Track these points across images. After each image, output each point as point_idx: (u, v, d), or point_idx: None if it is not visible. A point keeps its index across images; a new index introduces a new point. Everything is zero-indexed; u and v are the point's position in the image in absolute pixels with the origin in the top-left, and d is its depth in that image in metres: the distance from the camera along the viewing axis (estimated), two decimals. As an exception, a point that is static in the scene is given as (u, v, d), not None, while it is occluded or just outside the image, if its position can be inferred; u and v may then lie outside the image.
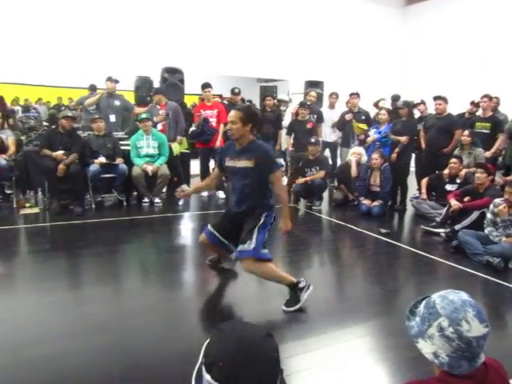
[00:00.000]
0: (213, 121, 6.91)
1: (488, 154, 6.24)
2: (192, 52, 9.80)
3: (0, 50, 9.10)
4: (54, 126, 6.69)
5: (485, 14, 10.58)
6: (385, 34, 12.45)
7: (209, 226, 3.48)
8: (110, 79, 6.78)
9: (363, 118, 7.46)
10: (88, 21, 9.16)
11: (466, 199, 5.17)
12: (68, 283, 3.69)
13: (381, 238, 5.11)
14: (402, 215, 6.48)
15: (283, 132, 7.66)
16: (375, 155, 6.22)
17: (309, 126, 7.05)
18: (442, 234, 5.10)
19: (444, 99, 6.29)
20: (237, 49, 10.43)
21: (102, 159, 6.01)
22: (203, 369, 0.96)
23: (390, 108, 7.51)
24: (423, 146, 6.57)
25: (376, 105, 7.69)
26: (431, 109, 6.86)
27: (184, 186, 3.62)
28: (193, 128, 7.10)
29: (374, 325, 3.04)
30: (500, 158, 6.71)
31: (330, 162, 7.65)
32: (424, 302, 1.31)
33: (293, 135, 7.19)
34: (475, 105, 7.14)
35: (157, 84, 7.75)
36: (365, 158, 6.69)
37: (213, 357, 0.96)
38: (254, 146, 3.15)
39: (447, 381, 1.23)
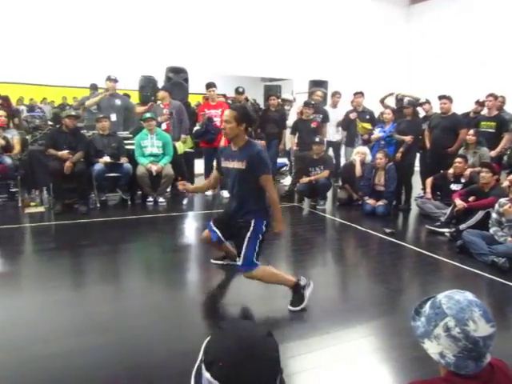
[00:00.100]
0: (217, 120, 6.91)
1: (493, 153, 6.21)
2: (196, 51, 9.82)
3: (5, 49, 9.16)
4: (58, 126, 6.72)
5: (489, 13, 10.53)
6: (389, 33, 12.42)
7: (212, 225, 3.45)
8: (109, 78, 6.78)
9: (367, 117, 7.45)
10: (93, 21, 9.20)
11: (471, 199, 5.14)
12: (73, 282, 3.71)
13: (385, 237, 5.09)
14: (407, 215, 6.46)
15: (287, 131, 7.66)
16: (380, 155, 6.21)
17: (313, 125, 7.04)
18: (447, 234, 5.08)
19: (449, 98, 6.26)
20: (241, 48, 10.44)
21: (107, 158, 6.03)
22: (203, 367, 0.96)
23: (395, 107, 7.49)
24: (428, 145, 6.54)
25: (382, 101, 7.65)
26: (436, 108, 6.83)
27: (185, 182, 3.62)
28: (197, 127, 7.11)
29: (377, 324, 3.04)
30: (505, 158, 6.68)
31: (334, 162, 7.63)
32: (429, 303, 1.31)
33: (297, 134, 7.18)
34: (480, 104, 7.11)
35: (161, 83, 7.76)
36: (369, 158, 6.68)
37: (213, 355, 0.96)
38: (247, 148, 3.08)
39: (453, 381, 1.22)
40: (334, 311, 3.21)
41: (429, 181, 6.15)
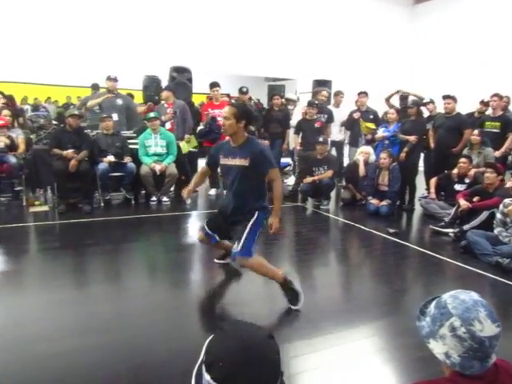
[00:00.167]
0: (221, 120, 6.90)
1: (498, 153, 6.18)
2: (200, 51, 9.82)
3: (9, 49, 9.20)
4: (62, 125, 6.74)
5: (493, 12, 10.48)
6: (393, 33, 12.39)
7: (205, 227, 3.48)
8: (109, 78, 6.80)
9: (371, 117, 7.44)
10: (97, 20, 9.22)
11: (475, 199, 5.12)
12: (77, 281, 3.72)
13: (389, 237, 5.08)
14: (411, 215, 6.45)
15: (291, 131, 7.65)
16: (383, 155, 6.19)
17: (317, 125, 7.03)
18: (451, 234, 5.06)
19: (453, 98, 6.24)
20: (245, 48, 10.43)
21: (111, 158, 6.04)
22: (203, 368, 0.96)
23: (399, 107, 7.47)
24: (432, 145, 6.52)
25: (388, 100, 7.62)
26: (440, 108, 6.81)
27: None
28: (201, 127, 7.12)
29: (381, 325, 3.03)
30: (510, 158, 6.65)
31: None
32: (434, 302, 1.30)
33: (301, 134, 7.18)
34: (485, 104, 7.07)
35: (165, 83, 7.78)
36: (373, 158, 6.66)
37: (213, 356, 0.96)
38: (249, 145, 3.11)
39: (458, 381, 1.22)
40: (337, 311, 3.20)
41: (433, 181, 6.13)
